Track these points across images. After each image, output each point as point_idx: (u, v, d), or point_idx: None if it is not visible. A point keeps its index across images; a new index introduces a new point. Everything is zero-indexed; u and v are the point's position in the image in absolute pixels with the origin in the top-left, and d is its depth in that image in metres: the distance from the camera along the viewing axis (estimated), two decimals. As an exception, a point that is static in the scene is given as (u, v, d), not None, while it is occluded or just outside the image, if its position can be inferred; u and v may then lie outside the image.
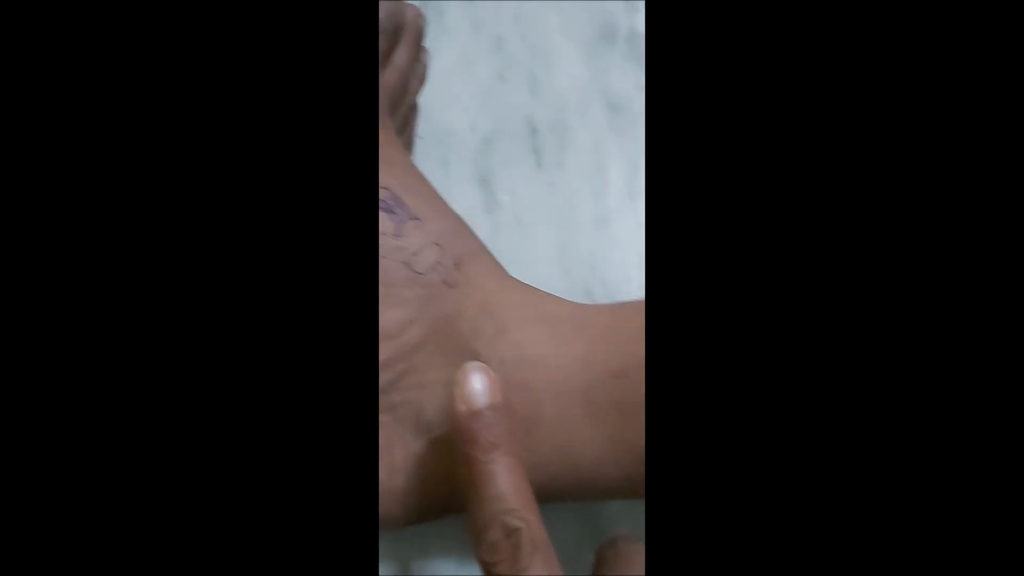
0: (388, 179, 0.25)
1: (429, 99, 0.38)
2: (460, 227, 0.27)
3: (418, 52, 0.33)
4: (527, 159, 0.37)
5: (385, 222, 0.24)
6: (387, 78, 0.30)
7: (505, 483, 0.19)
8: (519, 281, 0.26)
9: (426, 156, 0.37)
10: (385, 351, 0.23)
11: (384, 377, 0.23)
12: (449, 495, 0.23)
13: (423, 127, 0.37)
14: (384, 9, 0.27)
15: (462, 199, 0.37)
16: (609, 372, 0.22)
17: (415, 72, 0.33)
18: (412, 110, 0.35)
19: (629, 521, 0.30)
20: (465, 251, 0.26)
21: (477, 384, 0.20)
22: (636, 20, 0.39)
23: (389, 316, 0.23)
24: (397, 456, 0.23)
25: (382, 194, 0.24)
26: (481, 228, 0.37)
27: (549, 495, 0.23)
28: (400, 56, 0.31)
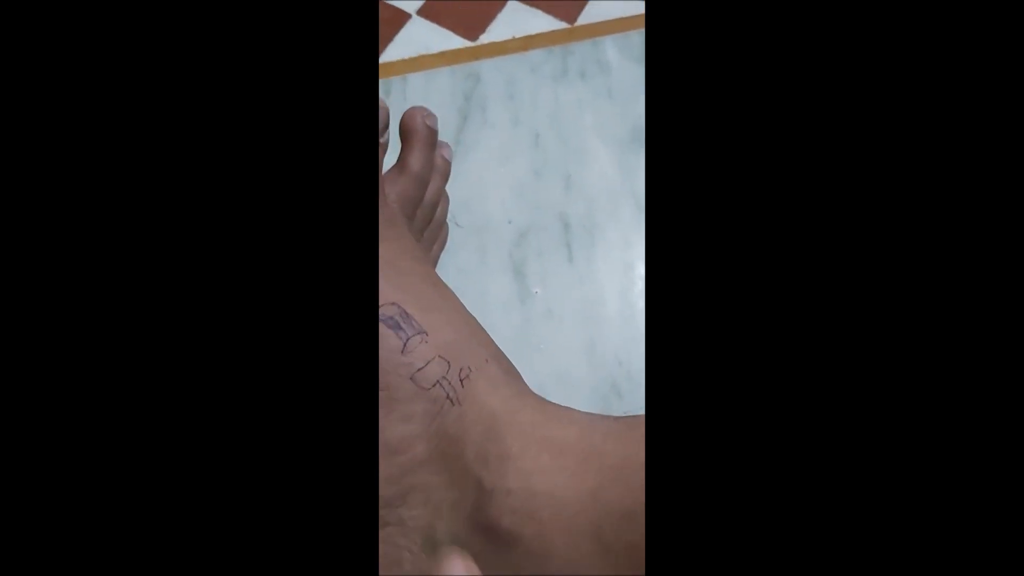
0: (396, 293, 0.25)
1: (470, 190, 0.40)
2: (469, 337, 0.26)
3: (432, 152, 0.33)
4: (560, 252, 0.39)
5: (391, 338, 0.24)
6: (402, 185, 0.30)
7: None
8: (528, 395, 0.26)
9: (464, 245, 0.39)
10: (391, 466, 0.23)
11: (391, 491, 0.23)
12: None
13: (463, 217, 0.39)
14: (382, 117, 0.27)
15: (497, 288, 0.39)
16: (621, 511, 0.22)
17: (436, 171, 0.34)
18: (433, 207, 0.35)
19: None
20: (473, 363, 0.25)
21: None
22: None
23: (396, 431, 0.23)
24: (406, 569, 0.23)
25: (389, 310, 0.24)
26: (514, 317, 0.39)
27: None
28: (415, 161, 0.31)
